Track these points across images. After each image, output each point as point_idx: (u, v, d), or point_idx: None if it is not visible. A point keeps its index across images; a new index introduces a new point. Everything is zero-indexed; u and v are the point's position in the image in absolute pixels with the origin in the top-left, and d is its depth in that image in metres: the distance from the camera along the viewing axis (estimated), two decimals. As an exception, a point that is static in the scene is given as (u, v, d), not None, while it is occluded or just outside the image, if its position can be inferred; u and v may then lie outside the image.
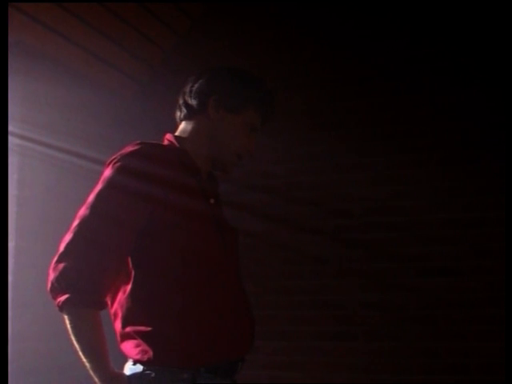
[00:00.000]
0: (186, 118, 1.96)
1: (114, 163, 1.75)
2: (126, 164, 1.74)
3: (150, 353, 1.71)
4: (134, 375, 1.71)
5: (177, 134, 1.96)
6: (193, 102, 1.94)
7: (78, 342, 1.66)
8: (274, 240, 4.02)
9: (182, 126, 1.97)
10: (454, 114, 3.82)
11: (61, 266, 1.64)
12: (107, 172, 1.75)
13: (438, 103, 3.86)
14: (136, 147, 1.79)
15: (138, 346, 1.73)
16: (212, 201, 1.94)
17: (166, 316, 1.75)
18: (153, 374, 1.70)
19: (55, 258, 1.67)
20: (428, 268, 3.75)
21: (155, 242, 1.76)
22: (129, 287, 1.75)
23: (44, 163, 3.70)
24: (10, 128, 3.43)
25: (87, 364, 1.67)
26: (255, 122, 1.97)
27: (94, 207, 1.71)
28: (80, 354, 1.68)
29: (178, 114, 1.99)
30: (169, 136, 1.95)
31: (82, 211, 1.71)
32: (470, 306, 3.65)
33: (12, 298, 3.50)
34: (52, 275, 1.66)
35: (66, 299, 1.64)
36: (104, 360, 1.68)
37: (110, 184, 1.73)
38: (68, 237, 1.68)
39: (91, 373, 1.68)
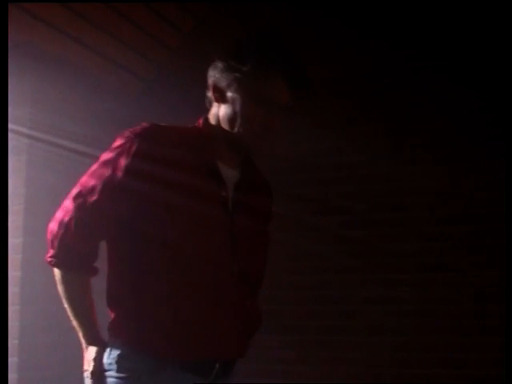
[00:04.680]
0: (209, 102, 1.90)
1: (118, 140, 1.76)
2: (123, 145, 1.73)
3: (124, 334, 1.76)
4: (108, 347, 1.77)
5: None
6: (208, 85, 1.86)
7: (63, 297, 1.79)
8: (279, 237, 4.06)
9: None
10: (453, 111, 3.87)
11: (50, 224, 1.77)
12: (110, 149, 1.76)
13: (437, 100, 3.90)
14: (143, 129, 1.76)
15: (115, 323, 1.78)
16: (226, 193, 1.82)
17: (140, 303, 1.74)
18: (118, 352, 1.74)
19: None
20: (428, 264, 3.80)
21: (137, 232, 1.75)
22: (111, 270, 1.79)
23: (51, 162, 3.76)
24: (19, 127, 3.50)
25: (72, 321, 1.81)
26: (276, 96, 1.78)
27: (89, 176, 1.75)
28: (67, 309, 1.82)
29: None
30: (200, 119, 1.89)
31: (83, 178, 1.77)
32: (469, 301, 3.71)
33: (20, 293, 3.56)
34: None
35: (48, 256, 1.76)
36: (84, 321, 1.80)
37: (104, 161, 1.74)
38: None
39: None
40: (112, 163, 1.72)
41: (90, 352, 1.80)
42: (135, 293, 1.75)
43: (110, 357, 1.75)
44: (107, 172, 1.72)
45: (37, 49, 3.69)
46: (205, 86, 1.85)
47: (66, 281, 1.77)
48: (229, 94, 1.80)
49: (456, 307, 3.73)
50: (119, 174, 1.71)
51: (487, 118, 3.79)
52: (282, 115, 1.82)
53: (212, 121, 1.85)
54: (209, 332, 1.77)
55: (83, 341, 1.82)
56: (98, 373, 1.77)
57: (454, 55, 3.89)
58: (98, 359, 1.76)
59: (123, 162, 1.71)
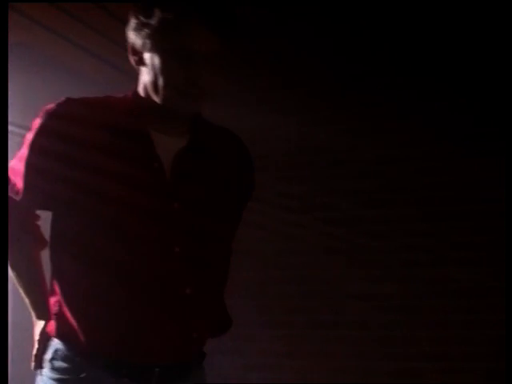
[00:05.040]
0: None
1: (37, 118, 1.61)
2: (35, 123, 1.60)
3: (53, 326, 1.64)
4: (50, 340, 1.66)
5: None
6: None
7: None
8: (266, 232, 4.12)
9: None
10: (437, 109, 3.92)
11: None
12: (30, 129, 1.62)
13: (422, 98, 3.95)
14: (55, 104, 1.61)
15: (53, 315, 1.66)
16: (159, 164, 1.60)
17: (68, 294, 1.61)
18: (54, 348, 1.62)
19: None
20: (412, 260, 3.88)
21: (60, 218, 1.62)
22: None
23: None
24: (10, 128, 3.55)
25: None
26: (195, 45, 1.55)
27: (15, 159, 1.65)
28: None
29: None
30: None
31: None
32: (453, 297, 3.79)
33: (11, 288, 3.62)
34: None
35: None
36: (31, 293, 1.70)
37: (24, 142, 1.62)
38: None
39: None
40: (27, 143, 1.60)
41: (37, 329, 1.69)
42: (63, 284, 1.63)
43: (48, 352, 1.63)
44: (25, 153, 1.60)
45: (30, 50, 3.73)
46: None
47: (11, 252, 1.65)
48: (146, 55, 1.60)
49: (440, 302, 3.81)
50: (31, 153, 1.58)
51: (471, 116, 3.85)
52: (211, 66, 1.58)
53: (141, 89, 1.65)
54: (140, 330, 1.57)
55: (32, 311, 1.72)
56: (40, 357, 1.65)
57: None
58: (44, 338, 1.64)
59: (33, 140, 1.58)
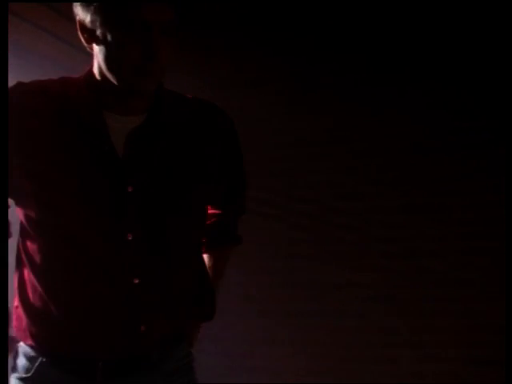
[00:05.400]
0: None
1: None
2: None
3: (14, 322, 1.58)
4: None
5: None
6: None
7: None
8: (250, 223, 4.17)
9: None
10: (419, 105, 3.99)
11: None
12: None
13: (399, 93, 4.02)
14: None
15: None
16: (109, 146, 1.49)
17: (20, 288, 1.55)
18: (19, 348, 1.58)
19: None
20: (390, 251, 3.97)
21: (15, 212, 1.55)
22: None
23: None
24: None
25: None
26: (149, 14, 1.43)
27: None
28: None
29: None
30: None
31: None
32: (429, 287, 3.89)
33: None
34: None
35: None
36: None
37: None
38: None
39: None
40: None
41: None
42: (17, 278, 1.57)
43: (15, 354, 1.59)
44: None
45: (21, 47, 3.76)
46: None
47: None
48: (98, 32, 1.46)
49: (417, 292, 3.90)
50: None
51: (449, 110, 3.92)
52: (167, 38, 1.47)
53: (95, 69, 1.54)
54: (82, 324, 1.49)
55: None
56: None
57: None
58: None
59: None
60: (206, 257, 1.82)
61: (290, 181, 4.17)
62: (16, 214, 1.59)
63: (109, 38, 1.45)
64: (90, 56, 1.56)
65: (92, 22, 1.46)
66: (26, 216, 1.52)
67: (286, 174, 4.18)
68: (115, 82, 1.49)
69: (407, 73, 3.98)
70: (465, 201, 3.86)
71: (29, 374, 1.54)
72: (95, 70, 1.54)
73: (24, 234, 1.55)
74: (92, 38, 1.48)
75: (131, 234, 1.49)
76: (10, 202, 1.57)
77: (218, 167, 1.65)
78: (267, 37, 4.16)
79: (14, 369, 1.58)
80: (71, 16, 1.53)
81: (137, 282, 1.49)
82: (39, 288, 1.50)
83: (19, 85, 1.52)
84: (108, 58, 1.47)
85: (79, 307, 1.49)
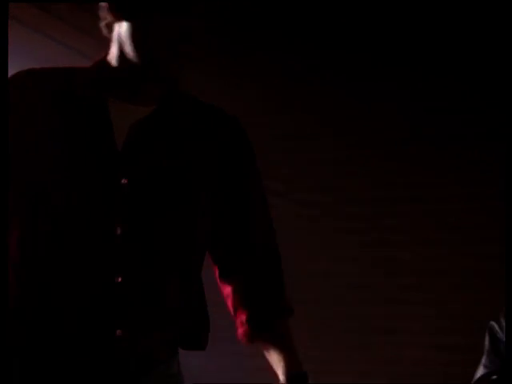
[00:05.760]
0: None
1: None
2: None
3: None
4: None
5: None
6: None
7: None
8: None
9: None
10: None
11: None
12: None
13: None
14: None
15: None
16: (109, 134, 1.42)
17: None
18: None
19: None
20: (371, 240, 4.10)
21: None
22: None
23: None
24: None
25: None
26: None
27: None
28: None
29: None
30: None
31: None
32: (407, 275, 4.02)
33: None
34: None
35: None
36: None
37: None
38: None
39: None
40: None
41: None
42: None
43: None
44: None
45: (13, 47, 3.84)
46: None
47: None
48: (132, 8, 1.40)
49: (395, 280, 4.03)
50: None
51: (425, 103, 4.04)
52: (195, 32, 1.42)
53: (112, 53, 1.47)
54: (52, 318, 1.39)
55: None
56: None
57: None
58: None
59: None
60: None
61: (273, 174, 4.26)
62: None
63: (145, 16, 1.38)
64: (107, 42, 1.50)
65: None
66: (13, 207, 1.41)
67: (278, 179, 4.15)
68: (138, 60, 1.42)
69: (400, 66, 4.06)
70: (439, 193, 3.99)
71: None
72: (112, 54, 1.46)
73: (17, 222, 1.43)
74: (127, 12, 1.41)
75: (120, 227, 1.38)
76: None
77: (218, 177, 1.52)
78: (258, 32, 4.24)
79: None
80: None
81: (119, 280, 1.37)
82: (15, 282, 1.38)
83: (22, 71, 1.48)
84: (137, 38, 1.40)
85: (54, 301, 1.39)
